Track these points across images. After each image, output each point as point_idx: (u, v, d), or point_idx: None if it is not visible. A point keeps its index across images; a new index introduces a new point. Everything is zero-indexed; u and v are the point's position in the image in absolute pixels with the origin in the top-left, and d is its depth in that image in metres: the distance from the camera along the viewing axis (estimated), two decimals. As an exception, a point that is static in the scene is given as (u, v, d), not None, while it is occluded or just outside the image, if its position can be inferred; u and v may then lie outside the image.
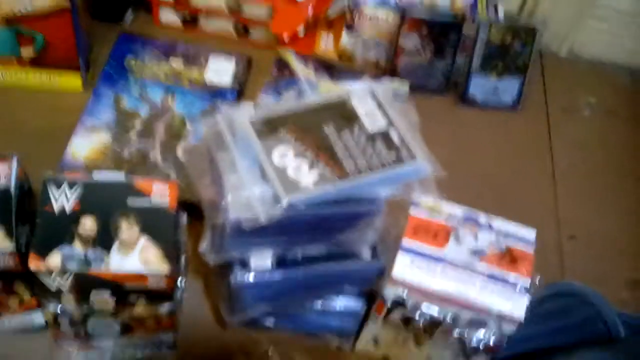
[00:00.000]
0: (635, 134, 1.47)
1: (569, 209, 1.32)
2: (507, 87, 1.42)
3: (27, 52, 1.24)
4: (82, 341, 1.01)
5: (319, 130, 0.91)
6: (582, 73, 1.56)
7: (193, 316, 1.09)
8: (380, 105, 0.94)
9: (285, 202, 0.84)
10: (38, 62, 1.26)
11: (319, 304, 1.04)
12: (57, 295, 0.91)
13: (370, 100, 0.95)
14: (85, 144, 1.21)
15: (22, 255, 0.89)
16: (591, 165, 1.40)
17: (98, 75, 1.31)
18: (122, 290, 0.90)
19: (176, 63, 1.34)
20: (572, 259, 1.26)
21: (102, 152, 1.20)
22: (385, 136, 0.91)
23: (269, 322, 1.07)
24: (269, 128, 0.90)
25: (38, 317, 1.02)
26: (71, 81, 1.29)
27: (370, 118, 0.93)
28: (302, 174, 0.86)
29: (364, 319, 1.05)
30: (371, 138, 0.91)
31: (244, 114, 0.92)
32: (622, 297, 1.22)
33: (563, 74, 1.54)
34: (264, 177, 0.87)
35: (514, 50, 1.39)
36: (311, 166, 0.87)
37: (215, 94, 1.30)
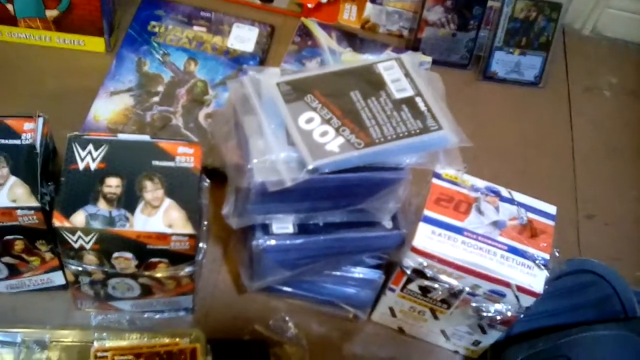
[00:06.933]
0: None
1: (588, 188, 1.33)
2: (530, 63, 1.42)
3: (51, 13, 1.24)
4: (101, 302, 1.02)
5: (345, 96, 0.91)
6: (605, 52, 1.55)
7: (212, 281, 1.11)
8: (407, 74, 0.94)
9: (310, 166, 0.84)
10: (62, 24, 1.26)
11: (337, 273, 1.04)
12: (80, 255, 0.91)
13: (398, 68, 0.95)
14: (108, 107, 1.21)
15: (46, 213, 0.90)
16: (611, 145, 1.40)
17: (121, 39, 1.31)
18: (144, 251, 0.91)
19: (199, 29, 1.34)
20: (588, 237, 1.26)
21: (125, 115, 1.21)
22: (411, 104, 0.91)
23: (287, 289, 1.07)
24: (296, 92, 0.90)
25: (58, 277, 1.03)
26: (95, 43, 1.30)
27: (397, 85, 0.93)
28: (327, 139, 0.87)
29: (382, 289, 1.05)
30: (398, 105, 0.91)
31: (271, 78, 0.91)
32: (637, 275, 1.22)
33: (585, 53, 1.54)
34: (289, 141, 0.87)
35: (538, 25, 1.39)
36: (337, 131, 0.87)
37: (238, 61, 1.31)
